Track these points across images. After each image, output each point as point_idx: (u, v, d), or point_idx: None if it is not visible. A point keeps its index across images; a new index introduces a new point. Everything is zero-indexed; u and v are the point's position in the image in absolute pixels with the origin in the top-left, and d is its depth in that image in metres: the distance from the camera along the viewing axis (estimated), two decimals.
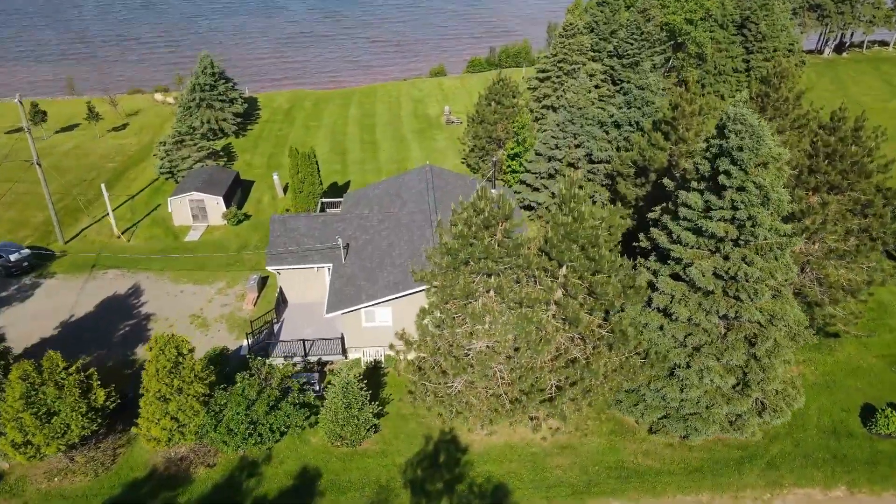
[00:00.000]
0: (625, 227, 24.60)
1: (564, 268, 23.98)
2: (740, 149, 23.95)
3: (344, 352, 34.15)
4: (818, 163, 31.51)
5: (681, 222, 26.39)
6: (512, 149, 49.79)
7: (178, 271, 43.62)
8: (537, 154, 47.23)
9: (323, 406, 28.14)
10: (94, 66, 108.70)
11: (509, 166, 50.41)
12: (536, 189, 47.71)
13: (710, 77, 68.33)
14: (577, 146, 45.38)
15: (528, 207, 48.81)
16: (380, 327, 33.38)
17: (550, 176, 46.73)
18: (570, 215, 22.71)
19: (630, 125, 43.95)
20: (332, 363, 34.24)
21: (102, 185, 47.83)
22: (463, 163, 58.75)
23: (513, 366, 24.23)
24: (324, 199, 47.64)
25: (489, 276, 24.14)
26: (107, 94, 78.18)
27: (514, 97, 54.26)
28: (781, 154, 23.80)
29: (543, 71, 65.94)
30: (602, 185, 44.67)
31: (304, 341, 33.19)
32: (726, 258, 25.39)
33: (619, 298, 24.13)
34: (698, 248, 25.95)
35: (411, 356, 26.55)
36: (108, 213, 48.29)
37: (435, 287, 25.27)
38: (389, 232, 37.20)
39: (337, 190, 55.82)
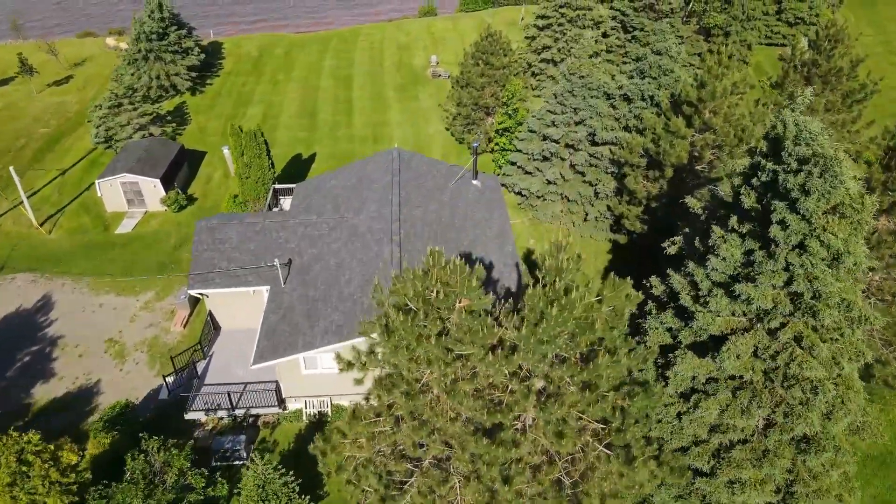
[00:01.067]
0: (635, 302, 17.46)
1: (540, 381, 17.00)
2: (805, 190, 16.55)
3: (281, 402, 27.75)
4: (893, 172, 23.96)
5: (711, 273, 19.27)
6: (501, 122, 41.78)
7: (100, 277, 36.80)
8: (530, 131, 39.34)
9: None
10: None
11: (497, 143, 42.53)
12: (529, 173, 40.08)
13: (736, 24, 58.91)
14: (577, 123, 37.45)
15: (518, 194, 41.32)
16: (324, 374, 26.85)
17: (545, 158, 39.01)
18: (554, 301, 15.59)
19: (643, 100, 35.88)
20: (267, 416, 27.91)
21: (12, 170, 40.32)
22: (448, 130, 50.72)
23: (475, 489, 17.72)
24: (277, 186, 40.19)
25: (444, 364, 17.27)
26: (43, 39, 69.04)
27: (504, 55, 45.67)
28: (865, 203, 16.40)
29: (543, 17, 56.63)
30: (607, 173, 37.04)
31: (229, 393, 26.72)
32: (773, 333, 18.41)
33: (623, 400, 17.32)
34: (733, 313, 18.95)
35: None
36: (22, 202, 41.02)
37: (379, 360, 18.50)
38: (341, 245, 30.08)
39: (299, 166, 48.12)
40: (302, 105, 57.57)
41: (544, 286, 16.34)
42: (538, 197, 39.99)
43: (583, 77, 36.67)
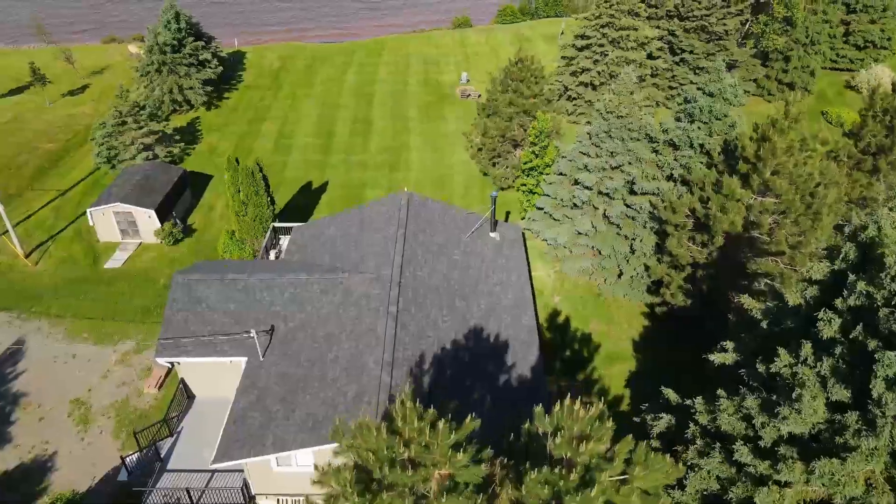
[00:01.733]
0: (673, 477, 13.00)
1: None
2: None
3: (250, 499, 23.92)
4: None
5: (780, 425, 14.68)
6: (527, 161, 37.35)
7: (80, 320, 33.64)
8: (560, 174, 34.88)
9: None
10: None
11: (524, 184, 38.11)
12: (557, 220, 35.59)
13: (798, 48, 53.22)
14: (613, 168, 32.86)
15: (545, 241, 36.86)
16: (299, 473, 22.93)
17: (576, 206, 34.52)
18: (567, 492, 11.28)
19: (691, 147, 31.10)
20: None
21: None
22: (473, 161, 46.45)
23: None
24: (277, 224, 36.56)
25: None
26: (67, 43, 67.01)
27: (536, 83, 41.20)
28: None
29: (583, 36, 51.95)
30: (646, 228, 32.34)
31: (188, 490, 22.98)
32: None
33: None
34: (808, 481, 14.33)
35: None
36: (7, 231, 38.19)
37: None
38: (332, 311, 26.15)
39: (308, 196, 44.43)
40: (319, 124, 53.97)
41: (554, 465, 11.99)
42: (566, 248, 35.49)
43: (622, 117, 32.05)
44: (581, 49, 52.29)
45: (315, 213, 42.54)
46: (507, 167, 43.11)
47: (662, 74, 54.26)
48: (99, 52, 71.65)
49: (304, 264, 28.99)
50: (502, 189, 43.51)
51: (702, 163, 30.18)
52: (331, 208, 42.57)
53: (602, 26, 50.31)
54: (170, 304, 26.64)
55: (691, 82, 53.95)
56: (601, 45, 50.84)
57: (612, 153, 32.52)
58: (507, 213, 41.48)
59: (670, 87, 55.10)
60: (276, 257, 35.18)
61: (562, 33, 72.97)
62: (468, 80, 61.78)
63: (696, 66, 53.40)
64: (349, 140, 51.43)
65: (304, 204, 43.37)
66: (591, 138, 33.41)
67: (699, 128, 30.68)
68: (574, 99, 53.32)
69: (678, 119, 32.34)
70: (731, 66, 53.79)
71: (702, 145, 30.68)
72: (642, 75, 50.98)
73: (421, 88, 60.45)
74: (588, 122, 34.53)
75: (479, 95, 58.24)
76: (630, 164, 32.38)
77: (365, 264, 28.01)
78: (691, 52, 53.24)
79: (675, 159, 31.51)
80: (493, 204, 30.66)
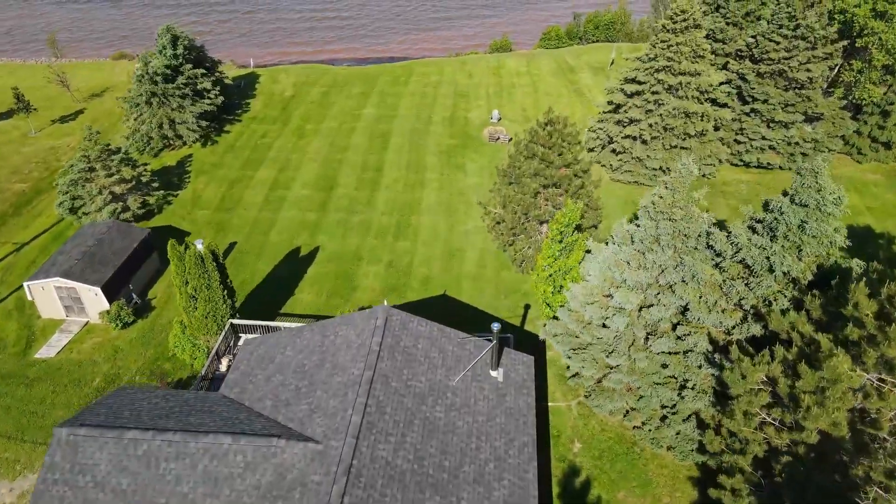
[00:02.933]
0: None
1: None
2: None
3: None
4: None
5: None
6: (547, 264, 29.36)
7: None
8: (586, 281, 26.88)
9: None
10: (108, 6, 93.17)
11: (543, 292, 30.09)
12: (583, 348, 27.50)
13: None
14: (660, 286, 24.72)
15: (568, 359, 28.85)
16: None
17: (605, 325, 26.46)
18: None
19: (771, 271, 22.71)
20: None
21: None
22: (491, 234, 38.75)
23: None
24: (236, 321, 29.70)
25: None
26: (48, 62, 62.14)
27: (569, 149, 33.17)
28: None
29: (633, 80, 43.63)
30: (700, 368, 24.11)
31: None
32: None
33: None
34: None
35: None
36: None
37: None
38: (255, 502, 18.98)
39: (291, 267, 37.43)
40: (322, 171, 47.09)
41: None
42: (593, 379, 27.50)
43: (674, 220, 23.88)
44: (630, 95, 43.95)
45: (296, 292, 35.56)
46: (529, 247, 35.29)
47: (728, 127, 45.44)
48: (107, 69, 66.75)
49: (233, 415, 21.86)
50: (523, 272, 35.76)
51: (788, 302, 21.85)
52: (316, 289, 35.59)
53: (657, 70, 41.88)
54: (43, 473, 19.89)
55: (763, 138, 45.01)
56: (655, 93, 42.40)
57: (661, 268, 24.39)
58: (526, 309, 33.70)
59: (737, 142, 46.24)
60: (228, 367, 28.34)
61: (611, 63, 64.55)
62: (499, 119, 54.08)
63: (770, 119, 44.42)
64: (353, 194, 44.30)
65: (285, 278, 36.48)
66: (633, 243, 25.35)
67: (784, 247, 22.29)
68: (619, 153, 45.00)
69: (752, 229, 23.93)
70: (812, 119, 44.58)
71: (786, 273, 22.30)
72: (703, 129, 42.32)
73: (445, 128, 52.98)
74: (633, 220, 26.43)
75: (510, 139, 50.53)
76: (684, 282, 24.21)
77: (312, 423, 20.73)
78: (765, 101, 44.27)
79: (746, 285, 23.18)
80: (496, 339, 22.93)
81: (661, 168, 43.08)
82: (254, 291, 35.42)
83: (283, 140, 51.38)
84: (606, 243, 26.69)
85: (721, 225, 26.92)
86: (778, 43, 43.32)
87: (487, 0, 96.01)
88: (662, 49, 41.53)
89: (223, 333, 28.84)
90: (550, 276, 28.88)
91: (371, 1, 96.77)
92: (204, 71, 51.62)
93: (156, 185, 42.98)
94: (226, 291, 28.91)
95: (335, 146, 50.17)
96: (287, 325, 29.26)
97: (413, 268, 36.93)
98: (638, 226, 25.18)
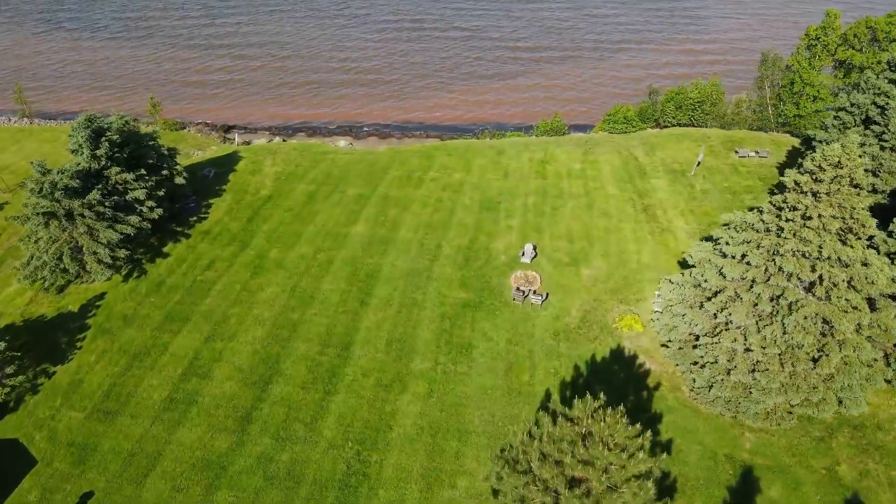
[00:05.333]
0: None
1: None
2: None
3: None
4: None
5: None
6: None
7: None
8: None
9: None
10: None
11: None
12: None
13: None
14: None
15: None
16: None
17: None
18: None
19: None
20: None
21: None
22: None
23: None
24: None
25: None
26: (6, 120, 50.72)
27: (611, 452, 17.40)
28: None
29: (749, 226, 27.26)
30: None
31: None
32: None
33: None
34: None
35: None
36: None
37: None
38: None
39: None
40: (265, 343, 32.68)
41: None
42: None
43: None
44: (741, 249, 27.58)
45: None
46: None
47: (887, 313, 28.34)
48: (64, 138, 54.79)
49: None
50: None
51: None
52: None
53: (774, 253, 25.57)
54: None
55: None
56: (774, 285, 26.00)
57: None
58: None
59: None
60: None
61: (698, 164, 48.00)
62: (533, 258, 38.53)
63: None
64: (296, 398, 29.46)
65: None
66: None
67: None
68: (698, 346, 28.65)
69: None
70: None
71: None
72: (860, 352, 25.57)
73: (456, 269, 37.77)
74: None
75: (546, 296, 35.03)
76: None
77: None
78: None
79: None
80: None
81: (773, 409, 26.59)
82: None
83: (232, 277, 37.35)
84: None
85: None
86: None
87: (551, 53, 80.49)
88: (789, 212, 25.22)
89: None
90: None
91: (413, 49, 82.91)
92: (142, 172, 38.42)
93: (12, 370, 29.48)
94: None
95: (296, 295, 35.74)
96: None
97: None
98: None
